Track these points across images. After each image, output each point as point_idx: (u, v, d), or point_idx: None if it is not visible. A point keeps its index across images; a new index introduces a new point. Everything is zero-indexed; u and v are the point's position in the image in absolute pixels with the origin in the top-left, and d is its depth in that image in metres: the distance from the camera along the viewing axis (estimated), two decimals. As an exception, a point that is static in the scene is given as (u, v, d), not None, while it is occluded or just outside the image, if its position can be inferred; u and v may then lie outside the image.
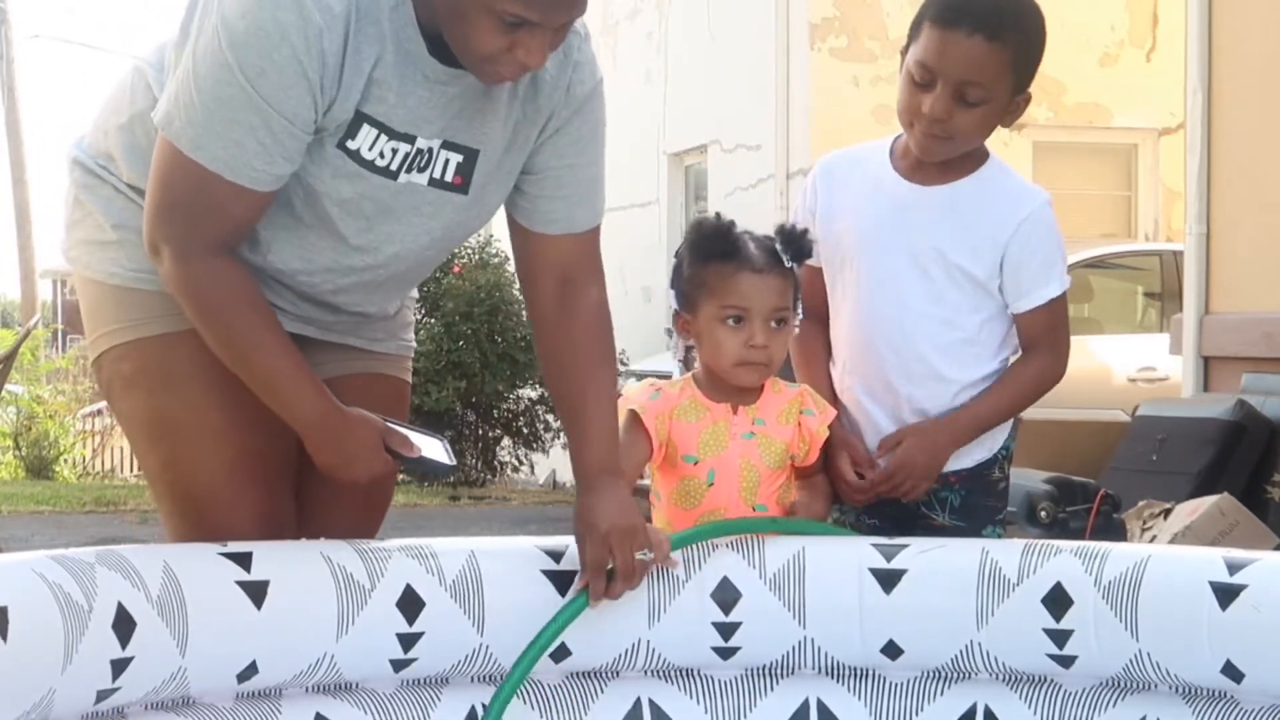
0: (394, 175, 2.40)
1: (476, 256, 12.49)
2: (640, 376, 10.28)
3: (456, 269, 12.11)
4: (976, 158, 2.75)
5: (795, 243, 2.67)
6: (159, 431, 2.52)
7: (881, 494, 2.74)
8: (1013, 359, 2.82)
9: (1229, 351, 7.49)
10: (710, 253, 2.67)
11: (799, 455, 2.72)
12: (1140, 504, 6.16)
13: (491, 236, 14.38)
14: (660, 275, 14.14)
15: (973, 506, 2.79)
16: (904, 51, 2.66)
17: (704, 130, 13.00)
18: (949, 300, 2.72)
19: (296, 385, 2.40)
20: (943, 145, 2.66)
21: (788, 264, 2.66)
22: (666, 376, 10.52)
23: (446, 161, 2.43)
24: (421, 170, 2.41)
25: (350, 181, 2.39)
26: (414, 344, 2.82)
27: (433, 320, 11.83)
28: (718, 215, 2.74)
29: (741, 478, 2.67)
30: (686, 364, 2.78)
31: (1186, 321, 7.76)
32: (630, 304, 13.52)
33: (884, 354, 2.75)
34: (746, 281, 2.63)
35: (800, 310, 2.75)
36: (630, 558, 2.46)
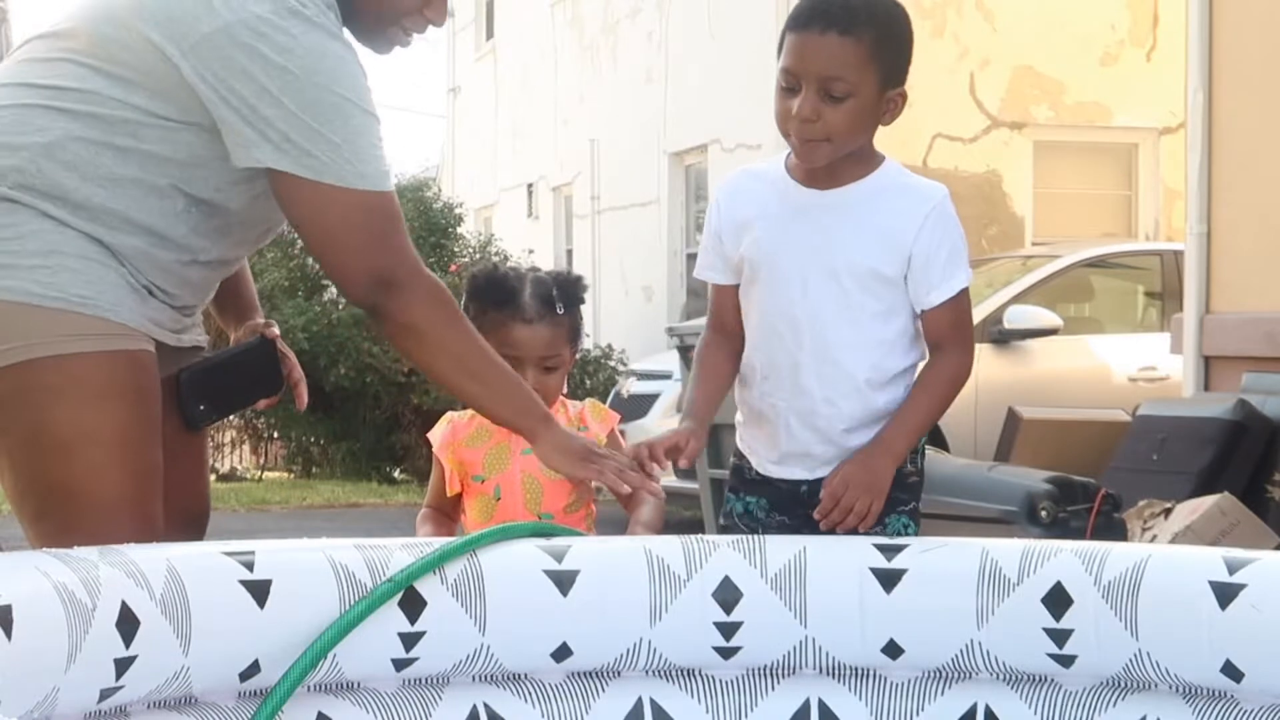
0: None
1: (477, 255, 12.48)
2: (642, 376, 10.28)
3: (454, 268, 12.10)
4: (870, 161, 2.77)
5: (569, 290, 2.97)
6: (85, 441, 2.55)
7: (835, 522, 2.71)
8: (922, 363, 2.83)
9: (1230, 351, 7.50)
10: (487, 301, 2.96)
11: None
12: (1141, 503, 6.17)
13: (492, 236, 14.39)
14: (660, 275, 14.14)
15: None
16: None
17: (704, 130, 13.00)
18: (854, 299, 2.74)
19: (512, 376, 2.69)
20: (820, 148, 2.68)
21: (560, 311, 2.94)
22: (666, 376, 10.59)
23: None
24: None
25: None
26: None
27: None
28: (494, 265, 3.20)
29: (524, 490, 2.94)
30: None
31: (1187, 321, 7.77)
32: (631, 303, 13.53)
33: (796, 357, 2.76)
34: (518, 331, 2.93)
35: (577, 349, 3.03)
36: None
